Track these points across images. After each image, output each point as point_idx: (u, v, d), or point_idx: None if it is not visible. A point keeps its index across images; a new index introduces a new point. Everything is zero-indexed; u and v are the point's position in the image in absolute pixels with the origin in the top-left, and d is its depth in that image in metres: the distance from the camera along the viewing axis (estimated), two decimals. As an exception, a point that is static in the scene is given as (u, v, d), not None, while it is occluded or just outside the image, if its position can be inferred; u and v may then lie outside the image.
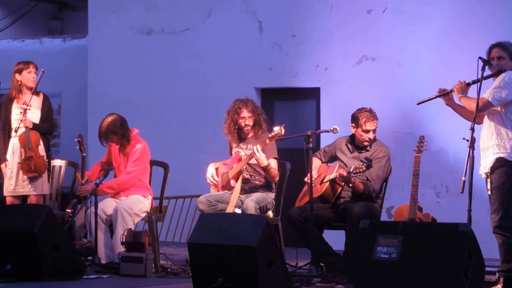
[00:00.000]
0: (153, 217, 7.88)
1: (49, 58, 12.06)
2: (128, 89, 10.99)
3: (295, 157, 8.18)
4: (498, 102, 6.38)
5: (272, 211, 7.79)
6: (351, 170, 7.16)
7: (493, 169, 6.42)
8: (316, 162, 7.59)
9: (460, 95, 6.54)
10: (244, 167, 7.76)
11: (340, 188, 7.40)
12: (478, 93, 6.29)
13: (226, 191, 7.84)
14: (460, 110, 6.73)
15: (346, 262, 6.92)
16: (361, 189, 7.31)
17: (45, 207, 7.47)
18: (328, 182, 7.39)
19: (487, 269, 5.93)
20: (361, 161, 7.24)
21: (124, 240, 7.40)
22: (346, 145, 7.58)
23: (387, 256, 5.59)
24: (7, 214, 7.32)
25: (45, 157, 8.31)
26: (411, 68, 9.35)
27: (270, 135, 7.60)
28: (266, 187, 7.82)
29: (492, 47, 6.58)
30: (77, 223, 7.98)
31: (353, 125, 7.49)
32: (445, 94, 6.73)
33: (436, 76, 8.88)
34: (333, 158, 7.68)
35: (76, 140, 8.17)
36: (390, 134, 8.93)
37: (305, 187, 7.51)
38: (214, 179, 7.95)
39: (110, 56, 11.19)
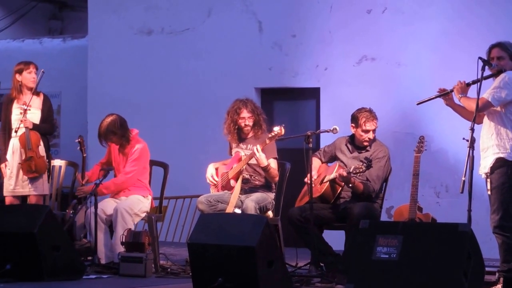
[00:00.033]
0: (153, 217, 7.88)
1: (49, 58, 12.07)
2: (128, 89, 10.99)
3: (295, 157, 8.18)
4: (498, 102, 6.38)
5: (272, 211, 7.79)
6: (351, 170, 7.16)
7: (493, 169, 6.42)
8: (316, 162, 7.59)
9: (460, 95, 6.54)
10: (244, 167, 7.76)
11: (340, 188, 7.40)
12: (478, 93, 6.29)
13: (226, 191, 7.84)
14: (460, 110, 6.73)
15: (346, 262, 6.92)
16: (361, 189, 7.31)
17: (45, 207, 7.47)
18: (328, 182, 7.39)
19: (487, 269, 5.93)
20: (361, 161, 7.24)
21: (124, 240, 7.40)
22: (346, 145, 7.58)
23: (387, 256, 5.59)
24: (7, 214, 7.31)
25: (45, 158, 8.31)
26: (411, 68, 9.35)
27: (270, 135, 7.60)
28: (266, 187, 7.82)
29: (492, 47, 6.58)
30: (77, 223, 7.98)
31: (353, 125, 7.49)
32: (445, 94, 6.73)
33: (436, 76, 8.88)
34: (333, 158, 7.68)
35: (76, 141, 8.17)
36: (390, 134, 8.93)
37: (305, 187, 7.51)
38: (214, 179, 7.95)
39: (110, 56, 11.19)
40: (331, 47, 9.80)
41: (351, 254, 6.66)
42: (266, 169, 7.64)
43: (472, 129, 6.22)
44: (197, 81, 10.61)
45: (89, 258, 7.75)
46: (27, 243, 6.86)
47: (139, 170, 7.97)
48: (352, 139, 7.60)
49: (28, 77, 8.37)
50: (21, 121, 8.20)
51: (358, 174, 7.21)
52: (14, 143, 8.31)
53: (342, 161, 7.52)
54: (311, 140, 7.26)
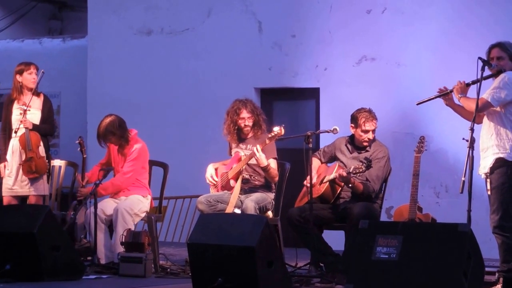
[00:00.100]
0: (152, 217, 7.88)
1: (49, 58, 12.07)
2: (128, 89, 10.99)
3: (295, 157, 8.18)
4: (497, 103, 6.38)
5: (272, 211, 7.79)
6: (350, 171, 7.16)
7: (493, 169, 6.41)
8: (315, 163, 7.59)
9: (460, 95, 6.54)
10: (243, 167, 7.76)
11: (340, 188, 7.40)
12: (478, 94, 6.29)
13: (225, 191, 7.84)
14: (459, 110, 6.73)
15: (346, 263, 6.92)
16: (361, 189, 7.30)
17: (44, 207, 7.47)
18: (328, 183, 7.39)
19: (486, 269, 5.93)
20: (361, 161, 7.24)
21: (123, 240, 7.39)
22: (346, 145, 7.58)
23: (387, 256, 5.59)
24: (7, 214, 7.32)
25: (45, 158, 8.31)
26: (410, 68, 9.35)
27: (270, 135, 7.60)
28: (266, 187, 7.82)
29: (492, 47, 6.58)
30: (77, 224, 7.97)
31: (353, 125, 7.49)
32: (444, 94, 6.72)
33: (436, 76, 8.88)
34: (332, 159, 7.68)
35: (77, 142, 8.16)
36: (389, 134, 8.94)
37: (305, 188, 7.50)
38: (213, 180, 7.95)
39: (110, 56, 11.19)
40: (331, 47, 9.80)
41: (351, 254, 6.65)
42: (266, 169, 7.63)
43: (472, 129, 6.22)
44: (197, 81, 10.61)
45: (89, 258, 7.75)
46: (27, 243, 6.86)
47: (137, 170, 7.96)
48: (351, 140, 7.59)
49: (29, 78, 8.37)
50: (21, 121, 8.20)
51: (358, 174, 7.21)
52: (14, 143, 8.31)
53: (341, 162, 7.51)
54: (311, 140, 7.25)
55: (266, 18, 10.23)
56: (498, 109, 6.44)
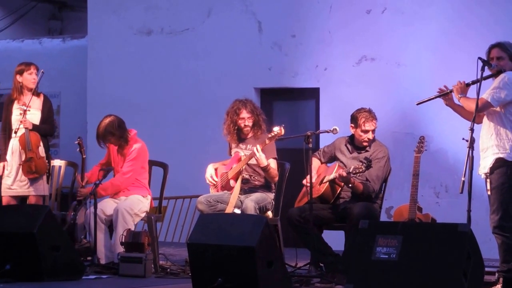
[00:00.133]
0: (152, 218, 7.88)
1: (49, 59, 12.06)
2: (128, 89, 10.99)
3: (295, 157, 8.18)
4: (497, 103, 6.38)
5: (272, 211, 7.79)
6: (350, 171, 7.16)
7: (493, 169, 6.41)
8: (315, 163, 7.59)
9: (460, 96, 6.54)
10: (243, 167, 7.76)
11: (340, 188, 7.40)
12: (478, 94, 6.29)
13: (225, 191, 7.84)
14: (459, 110, 6.73)
15: (346, 262, 6.92)
16: (361, 190, 7.30)
17: (44, 207, 7.47)
18: (328, 183, 7.39)
19: (486, 269, 5.94)
20: (361, 161, 7.24)
21: (123, 241, 7.39)
22: (346, 145, 7.58)
23: (387, 256, 5.59)
24: (7, 214, 7.32)
25: (45, 158, 8.31)
26: (410, 68, 9.35)
27: (270, 135, 7.60)
28: (266, 187, 7.82)
29: (492, 47, 6.58)
30: (77, 224, 7.97)
31: (352, 125, 7.49)
32: (444, 95, 6.72)
33: (436, 76, 8.88)
34: (332, 159, 7.68)
35: (76, 142, 8.15)
36: (389, 134, 8.94)
37: (305, 188, 7.50)
38: (213, 180, 7.95)
39: (110, 56, 11.19)
40: (330, 47, 9.80)
41: (350, 254, 6.65)
42: (266, 169, 7.63)
43: (472, 129, 6.22)
44: (197, 81, 10.61)
45: (89, 258, 7.75)
46: (26, 243, 6.86)
47: (137, 170, 7.96)
48: (351, 140, 7.59)
49: (29, 78, 8.36)
50: (21, 121, 8.20)
51: (358, 174, 7.21)
52: (14, 143, 8.30)
53: (341, 162, 7.51)
54: (310, 140, 7.25)
55: (266, 18, 10.23)
56: (498, 109, 6.44)
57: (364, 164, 7.09)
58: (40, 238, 6.85)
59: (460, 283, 5.35)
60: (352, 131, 7.53)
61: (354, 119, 7.47)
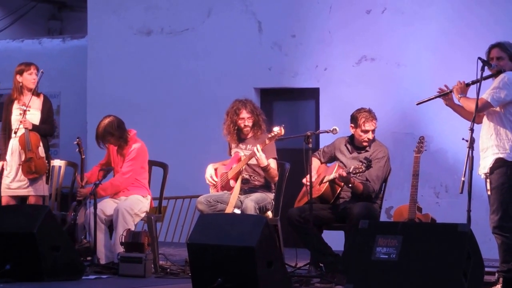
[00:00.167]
0: (152, 218, 7.88)
1: (49, 59, 12.06)
2: (128, 89, 10.99)
3: (295, 157, 8.18)
4: (497, 103, 6.38)
5: (272, 212, 7.79)
6: (350, 171, 7.16)
7: (493, 169, 6.41)
8: (315, 163, 7.59)
9: (460, 96, 6.54)
10: (243, 167, 7.76)
11: (340, 188, 7.40)
12: (478, 94, 6.29)
13: (225, 191, 7.84)
14: (459, 110, 6.73)
15: (346, 262, 6.92)
16: (361, 190, 7.30)
17: (44, 207, 7.47)
18: (328, 183, 7.39)
19: (486, 269, 5.94)
20: (361, 161, 7.24)
21: (123, 241, 7.39)
22: (346, 145, 7.58)
23: (387, 256, 5.59)
24: (7, 214, 7.32)
25: (45, 158, 8.31)
26: (410, 69, 9.35)
27: (270, 135, 7.60)
28: (266, 187, 7.82)
29: (492, 47, 6.58)
30: (78, 225, 7.97)
31: (352, 125, 7.49)
32: (444, 95, 6.72)
33: (436, 76, 8.87)
34: (332, 159, 7.68)
35: (75, 143, 8.14)
36: (389, 134, 8.93)
37: (304, 188, 7.50)
38: (213, 180, 7.95)
39: (110, 57, 11.19)
40: (330, 47, 9.80)
41: (350, 254, 6.65)
42: (266, 169, 7.63)
43: (472, 130, 6.22)
44: (197, 81, 10.61)
45: (89, 258, 7.74)
46: (26, 243, 6.86)
47: (136, 170, 7.96)
48: (351, 140, 7.59)
49: (29, 78, 8.36)
50: (21, 122, 8.20)
51: (358, 175, 7.21)
52: (13, 144, 8.30)
53: (341, 162, 7.51)
54: (310, 140, 7.26)
55: (266, 18, 10.23)
56: (497, 109, 6.44)
57: (364, 164, 7.09)
58: (40, 238, 6.85)
59: (460, 283, 5.35)
60: (352, 131, 7.53)
61: (354, 119, 7.47)
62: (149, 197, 8.01)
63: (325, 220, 7.43)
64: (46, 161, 8.32)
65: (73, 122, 12.16)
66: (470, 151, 6.15)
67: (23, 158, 8.22)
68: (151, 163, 8.22)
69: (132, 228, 7.65)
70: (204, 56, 10.57)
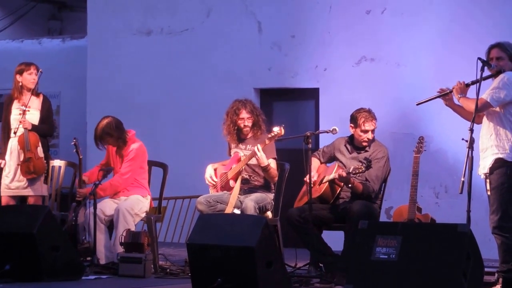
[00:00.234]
0: (152, 218, 7.88)
1: (48, 59, 12.05)
2: (128, 89, 10.99)
3: (294, 157, 8.18)
4: (496, 103, 6.38)
5: (271, 212, 7.79)
6: (350, 171, 7.15)
7: (492, 169, 6.41)
8: (315, 163, 7.59)
9: (459, 96, 6.54)
10: (243, 167, 7.76)
11: (339, 188, 7.40)
12: (477, 94, 6.29)
13: (225, 191, 7.84)
14: (459, 110, 6.73)
15: (345, 261, 6.91)
16: (360, 190, 7.30)
17: (44, 207, 7.47)
18: (327, 183, 7.39)
19: (486, 269, 5.94)
20: (360, 161, 7.24)
21: (123, 241, 7.39)
22: (345, 145, 7.58)
23: (386, 256, 5.59)
24: (7, 214, 7.32)
25: (43, 159, 8.31)
26: (410, 69, 9.35)
27: (270, 135, 7.60)
28: (265, 187, 7.82)
29: (491, 47, 6.58)
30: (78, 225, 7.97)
31: (352, 125, 7.49)
32: (444, 95, 6.72)
33: (436, 76, 8.89)
34: (332, 159, 7.68)
35: (72, 143, 8.11)
36: (389, 134, 8.93)
37: (304, 187, 7.50)
38: (212, 180, 7.95)
39: (110, 57, 11.19)
40: (330, 47, 9.80)
41: (350, 254, 6.65)
42: (266, 169, 7.63)
43: (472, 130, 6.22)
44: (196, 81, 10.61)
45: (88, 258, 7.74)
46: (26, 244, 6.86)
47: (135, 170, 7.95)
48: (351, 140, 7.59)
49: (28, 78, 8.36)
50: (20, 122, 8.20)
51: (358, 175, 7.21)
52: (13, 143, 8.30)
53: (341, 162, 7.51)
54: (310, 140, 7.26)
55: (265, 19, 10.23)
56: (497, 109, 6.44)
57: (364, 164, 7.09)
58: (40, 239, 6.85)
59: (459, 283, 5.35)
60: (351, 131, 7.53)
61: (353, 119, 7.47)
62: (148, 197, 8.01)
63: (325, 220, 7.43)
64: (45, 161, 8.32)
65: (73, 122, 12.16)
66: (470, 151, 6.15)
67: (21, 158, 8.22)
68: (151, 163, 8.22)
69: (133, 228, 7.65)
70: (204, 56, 10.57)
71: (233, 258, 6.02)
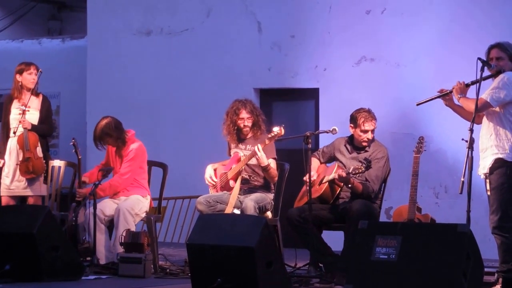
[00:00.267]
0: (152, 218, 7.88)
1: (48, 59, 12.05)
2: (128, 89, 10.99)
3: (294, 158, 8.18)
4: (496, 103, 6.38)
5: (271, 212, 7.79)
6: (350, 171, 7.15)
7: (492, 169, 6.42)
8: (314, 163, 7.59)
9: (459, 96, 6.54)
10: (243, 167, 7.76)
11: (339, 188, 7.40)
12: (477, 94, 6.30)
13: (225, 191, 7.84)
14: (459, 110, 6.73)
15: (345, 260, 6.91)
16: (360, 190, 7.30)
17: (44, 207, 7.46)
18: (327, 183, 7.38)
19: (486, 269, 5.94)
20: (360, 161, 7.24)
21: (122, 241, 7.39)
22: (345, 145, 7.58)
23: (386, 256, 5.59)
24: (6, 214, 7.32)
25: (42, 159, 8.31)
26: (410, 69, 9.35)
27: (270, 135, 7.60)
28: (265, 187, 7.82)
29: (491, 47, 6.58)
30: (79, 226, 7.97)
31: (352, 125, 7.49)
32: (444, 95, 6.72)
33: (435, 76, 8.89)
34: (331, 159, 7.68)
35: (70, 143, 8.11)
36: (389, 134, 8.93)
37: (304, 188, 7.50)
38: (212, 180, 7.95)
39: (109, 57, 11.19)
40: (330, 47, 9.80)
41: (350, 254, 6.65)
42: (266, 168, 7.63)
43: (471, 130, 6.22)
44: (196, 82, 10.61)
45: (88, 258, 7.74)
46: (26, 244, 6.86)
47: (135, 170, 7.95)
48: (351, 140, 7.59)
49: (28, 78, 8.37)
50: (20, 121, 8.20)
51: (358, 175, 7.21)
52: (12, 143, 8.31)
53: (341, 162, 7.51)
54: (310, 140, 7.25)
55: (265, 19, 10.23)
56: (497, 109, 6.44)
57: (364, 165, 7.09)
58: (40, 239, 6.85)
59: (459, 283, 5.35)
60: (351, 131, 7.53)
61: (353, 119, 7.47)
62: (148, 197, 8.01)
63: (325, 220, 7.43)
64: (44, 162, 8.32)
65: (73, 122, 12.16)
66: (470, 152, 6.15)
67: (20, 158, 8.22)
68: (151, 163, 8.22)
69: (133, 228, 7.65)
70: (203, 56, 10.57)
71: (233, 258, 6.02)
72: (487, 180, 6.46)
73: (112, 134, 7.88)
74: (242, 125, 7.82)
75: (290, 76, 10.08)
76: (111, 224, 7.83)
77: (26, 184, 8.27)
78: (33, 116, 8.33)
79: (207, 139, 10.15)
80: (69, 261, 7.04)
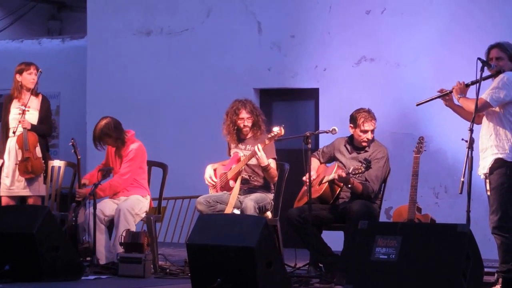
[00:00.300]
0: (151, 218, 7.87)
1: (48, 59, 12.05)
2: (128, 89, 10.99)
3: (294, 158, 8.18)
4: (496, 103, 6.38)
5: (271, 212, 7.79)
6: (350, 171, 7.15)
7: (492, 169, 6.42)
8: (314, 163, 7.58)
9: (459, 96, 6.54)
10: (243, 167, 7.76)
11: (339, 188, 7.39)
12: (477, 94, 6.30)
13: (225, 191, 7.84)
14: (459, 110, 6.73)
15: (345, 260, 6.91)
16: (360, 190, 7.30)
17: (43, 207, 7.46)
18: (327, 183, 7.38)
19: (486, 269, 5.94)
20: (360, 161, 7.23)
21: (122, 241, 7.39)
22: (345, 145, 7.58)
23: (386, 257, 5.59)
24: (6, 214, 7.31)
25: (41, 159, 8.31)
26: (410, 69, 9.35)
27: (270, 135, 7.60)
28: (265, 187, 7.82)
29: (491, 47, 6.58)
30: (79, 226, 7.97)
31: (352, 125, 7.49)
32: (444, 95, 6.72)
33: (435, 76, 8.89)
34: (331, 159, 7.68)
35: (69, 144, 8.11)
36: (389, 134, 8.93)
37: (304, 188, 7.50)
38: (212, 180, 7.95)
39: (109, 57, 11.19)
40: (330, 47, 9.80)
41: (350, 254, 6.65)
42: (266, 168, 7.63)
43: (471, 130, 6.22)
44: (196, 82, 10.61)
45: (88, 258, 7.74)
46: (26, 244, 6.86)
47: (135, 171, 7.95)
48: (351, 140, 7.59)
49: (28, 78, 8.37)
50: (20, 121, 8.20)
51: (357, 175, 7.21)
52: (11, 143, 8.31)
53: (341, 162, 7.51)
54: (310, 140, 7.25)
55: (265, 19, 10.23)
56: (497, 109, 6.44)
57: (364, 165, 7.09)
58: (40, 239, 6.85)
59: (459, 283, 5.35)
60: (351, 131, 7.52)
61: (353, 119, 7.47)
62: (148, 197, 8.01)
63: (325, 220, 7.43)
64: (43, 162, 8.32)
65: (73, 122, 12.16)
66: (470, 152, 6.15)
67: (20, 158, 8.22)
68: (151, 163, 8.22)
69: (133, 228, 7.65)
70: (203, 57, 10.57)
71: (233, 258, 6.02)
72: (487, 180, 6.46)
73: (112, 135, 7.88)
74: (242, 125, 7.82)
75: (290, 76, 10.08)
76: (111, 224, 7.83)
77: (26, 184, 8.27)
78: (33, 116, 8.33)
79: (207, 139, 10.15)
80: (69, 261, 7.04)
